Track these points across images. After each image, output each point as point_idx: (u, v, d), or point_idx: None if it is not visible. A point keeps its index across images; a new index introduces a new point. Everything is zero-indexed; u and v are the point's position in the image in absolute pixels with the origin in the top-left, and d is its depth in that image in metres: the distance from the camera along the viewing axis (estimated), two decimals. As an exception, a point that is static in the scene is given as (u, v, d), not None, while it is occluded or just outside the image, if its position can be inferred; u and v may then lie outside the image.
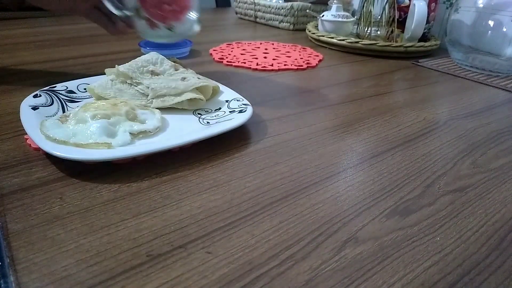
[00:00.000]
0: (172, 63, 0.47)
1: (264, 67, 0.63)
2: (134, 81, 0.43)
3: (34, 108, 0.37)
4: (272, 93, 0.53)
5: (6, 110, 0.41)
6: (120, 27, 0.48)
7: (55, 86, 0.42)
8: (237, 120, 0.38)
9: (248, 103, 0.42)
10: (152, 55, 0.47)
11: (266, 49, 0.75)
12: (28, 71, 0.54)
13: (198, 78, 0.45)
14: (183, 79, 0.43)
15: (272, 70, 0.63)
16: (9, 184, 0.29)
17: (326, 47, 0.81)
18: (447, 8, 0.85)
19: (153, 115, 0.38)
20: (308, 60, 0.69)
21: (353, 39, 0.76)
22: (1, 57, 0.61)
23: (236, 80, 0.57)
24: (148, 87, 0.42)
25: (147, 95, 0.42)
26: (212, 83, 0.45)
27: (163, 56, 0.47)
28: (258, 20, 1.08)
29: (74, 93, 0.43)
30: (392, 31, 0.79)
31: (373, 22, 0.80)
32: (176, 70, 0.46)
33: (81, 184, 0.29)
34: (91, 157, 0.30)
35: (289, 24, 1.01)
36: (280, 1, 1.02)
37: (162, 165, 0.32)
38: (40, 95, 0.40)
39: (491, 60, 0.66)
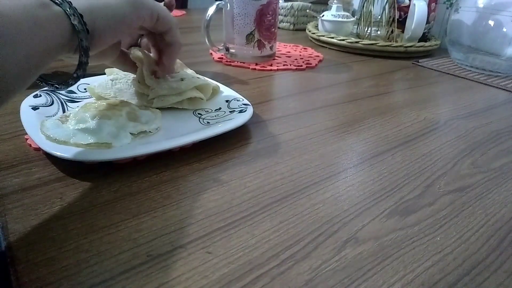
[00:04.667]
0: None
1: (264, 67, 0.63)
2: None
3: (34, 108, 0.37)
4: (272, 93, 0.53)
5: (6, 110, 0.41)
6: None
7: (55, 86, 0.42)
8: (237, 120, 0.38)
9: (248, 103, 0.42)
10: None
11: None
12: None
13: (198, 77, 0.45)
14: (182, 79, 0.43)
15: (272, 70, 0.63)
16: (9, 184, 0.29)
17: (326, 47, 0.81)
18: (447, 8, 0.85)
19: (154, 115, 0.38)
20: (308, 61, 0.69)
21: (353, 39, 0.76)
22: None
23: (236, 80, 0.57)
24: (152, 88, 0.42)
25: (147, 95, 0.42)
26: (211, 82, 0.45)
27: None
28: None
29: (74, 93, 0.43)
30: (392, 31, 0.79)
31: (373, 22, 0.80)
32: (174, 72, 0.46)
33: (81, 184, 0.29)
34: (91, 157, 0.30)
35: (289, 24, 1.01)
36: (280, 1, 1.02)
37: (162, 165, 0.32)
38: (40, 95, 0.40)
39: (491, 60, 0.66)
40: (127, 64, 0.40)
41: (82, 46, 0.27)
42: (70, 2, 0.27)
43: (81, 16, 0.27)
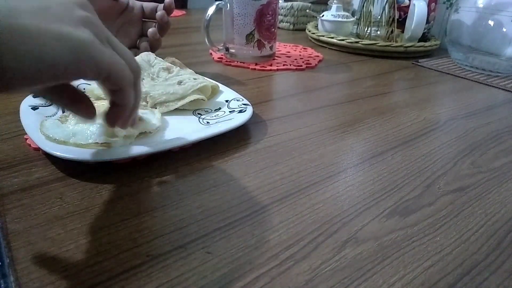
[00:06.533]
0: (164, 65, 0.46)
1: (263, 67, 0.63)
2: None
3: (34, 108, 0.37)
4: (272, 93, 0.53)
5: (6, 110, 0.41)
6: None
7: (55, 86, 0.42)
8: (237, 120, 0.38)
9: (248, 103, 0.42)
10: (143, 57, 0.46)
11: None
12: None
13: (195, 79, 0.44)
14: (180, 82, 0.43)
15: (271, 70, 0.63)
16: (9, 184, 0.29)
17: (326, 47, 0.81)
18: (447, 8, 0.85)
19: (153, 115, 0.38)
20: (308, 61, 0.69)
21: (353, 39, 0.76)
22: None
23: (236, 80, 0.57)
24: (147, 95, 0.41)
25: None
26: (211, 82, 0.45)
27: (154, 56, 0.47)
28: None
29: (74, 93, 0.43)
30: (392, 31, 0.79)
31: (373, 22, 0.80)
32: (169, 73, 0.45)
33: (81, 184, 0.29)
34: (91, 157, 0.30)
35: (289, 24, 1.01)
36: (280, 1, 1.02)
37: (162, 165, 0.32)
38: (40, 95, 0.40)
39: (491, 60, 0.66)
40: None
41: None
42: None
43: None
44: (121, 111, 0.25)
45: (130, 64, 0.24)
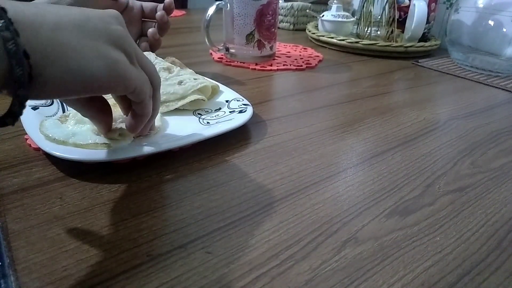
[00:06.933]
0: (164, 64, 0.46)
1: (263, 67, 0.63)
2: None
3: (34, 108, 0.37)
4: (272, 93, 0.53)
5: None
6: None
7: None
8: (237, 120, 0.38)
9: (248, 103, 0.42)
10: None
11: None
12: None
13: (195, 79, 0.44)
14: (180, 82, 0.43)
15: (271, 70, 0.63)
16: (9, 184, 0.29)
17: (326, 47, 0.81)
18: (447, 8, 0.85)
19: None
20: (308, 61, 0.69)
21: (353, 39, 0.76)
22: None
23: (236, 80, 0.57)
24: None
25: None
26: (211, 82, 0.45)
27: (154, 56, 0.47)
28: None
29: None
30: (392, 31, 0.79)
31: (373, 22, 0.80)
32: (170, 73, 0.45)
33: (81, 184, 0.29)
34: (91, 157, 0.30)
35: (289, 24, 1.01)
36: (280, 1, 1.02)
37: (162, 165, 0.32)
38: (40, 95, 0.39)
39: (491, 60, 0.66)
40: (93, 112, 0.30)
41: (18, 95, 0.19)
42: (15, 29, 0.18)
43: (27, 55, 0.18)
44: (141, 120, 0.28)
45: (151, 77, 0.27)
